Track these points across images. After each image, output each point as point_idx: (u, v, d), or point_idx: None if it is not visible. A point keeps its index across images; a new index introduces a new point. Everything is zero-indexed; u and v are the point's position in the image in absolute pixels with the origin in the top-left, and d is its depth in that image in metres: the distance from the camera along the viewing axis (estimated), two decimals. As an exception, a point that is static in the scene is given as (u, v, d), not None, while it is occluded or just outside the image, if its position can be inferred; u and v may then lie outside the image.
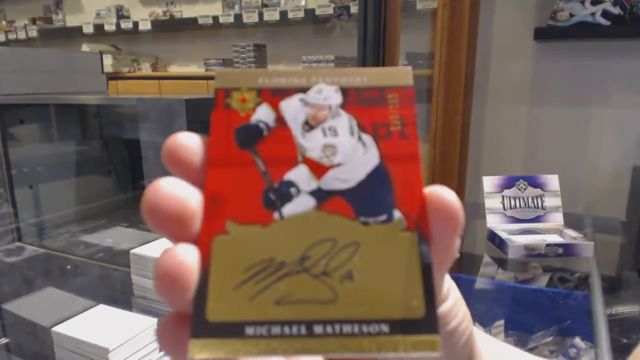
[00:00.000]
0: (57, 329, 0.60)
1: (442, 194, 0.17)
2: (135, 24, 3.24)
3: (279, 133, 0.19)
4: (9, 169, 1.15)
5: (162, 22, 3.21)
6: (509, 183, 1.10)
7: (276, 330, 0.16)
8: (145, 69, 3.41)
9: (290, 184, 0.18)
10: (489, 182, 1.11)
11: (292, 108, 0.19)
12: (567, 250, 0.99)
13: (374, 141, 0.19)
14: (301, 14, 2.66)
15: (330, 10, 2.57)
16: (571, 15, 1.76)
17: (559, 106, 1.96)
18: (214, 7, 3.11)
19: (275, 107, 0.19)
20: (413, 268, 0.17)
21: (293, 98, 0.19)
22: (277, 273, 0.16)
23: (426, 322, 0.16)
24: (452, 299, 0.21)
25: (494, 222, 1.09)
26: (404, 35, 1.71)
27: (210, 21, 2.96)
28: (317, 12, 2.61)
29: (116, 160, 1.39)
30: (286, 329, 0.16)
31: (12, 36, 3.85)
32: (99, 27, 3.38)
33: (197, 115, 0.90)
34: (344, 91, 0.19)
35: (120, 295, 0.89)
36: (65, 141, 1.29)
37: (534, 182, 1.10)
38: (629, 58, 1.82)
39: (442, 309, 0.20)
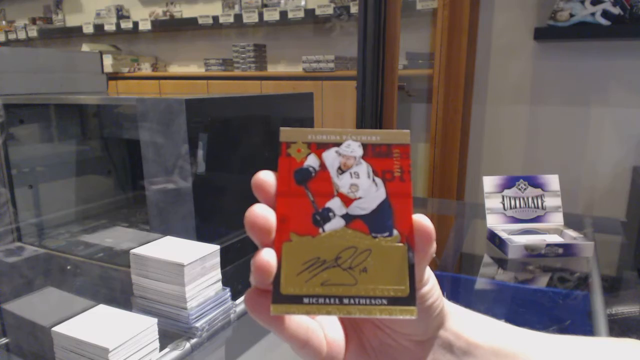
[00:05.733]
0: (57, 329, 0.60)
1: (423, 220, 0.26)
2: (135, 24, 3.24)
3: (322, 175, 0.27)
4: (9, 169, 1.15)
5: (162, 22, 3.21)
6: (509, 183, 1.10)
7: (321, 300, 0.25)
8: (145, 69, 3.41)
9: (329, 210, 0.26)
10: (489, 182, 1.10)
11: (330, 157, 0.27)
12: (567, 250, 0.99)
13: (383, 183, 0.27)
14: (301, 14, 2.66)
15: (330, 10, 2.57)
16: (571, 15, 1.76)
17: (559, 106, 1.96)
18: (214, 7, 3.12)
19: (320, 156, 0.27)
20: (403, 266, 0.26)
21: (331, 150, 0.27)
22: (322, 266, 0.26)
23: (409, 299, 0.25)
24: (430, 284, 0.29)
25: (494, 222, 1.09)
26: (404, 35, 1.71)
27: (210, 21, 2.96)
28: (317, 12, 2.61)
29: (116, 160, 1.39)
30: (327, 300, 0.25)
31: (12, 36, 3.86)
32: (99, 27, 3.38)
33: (197, 116, 0.90)
34: (364, 146, 0.27)
35: (120, 295, 0.89)
36: (65, 141, 1.29)
37: (534, 182, 1.10)
38: (629, 58, 1.82)
39: (423, 290, 0.29)
